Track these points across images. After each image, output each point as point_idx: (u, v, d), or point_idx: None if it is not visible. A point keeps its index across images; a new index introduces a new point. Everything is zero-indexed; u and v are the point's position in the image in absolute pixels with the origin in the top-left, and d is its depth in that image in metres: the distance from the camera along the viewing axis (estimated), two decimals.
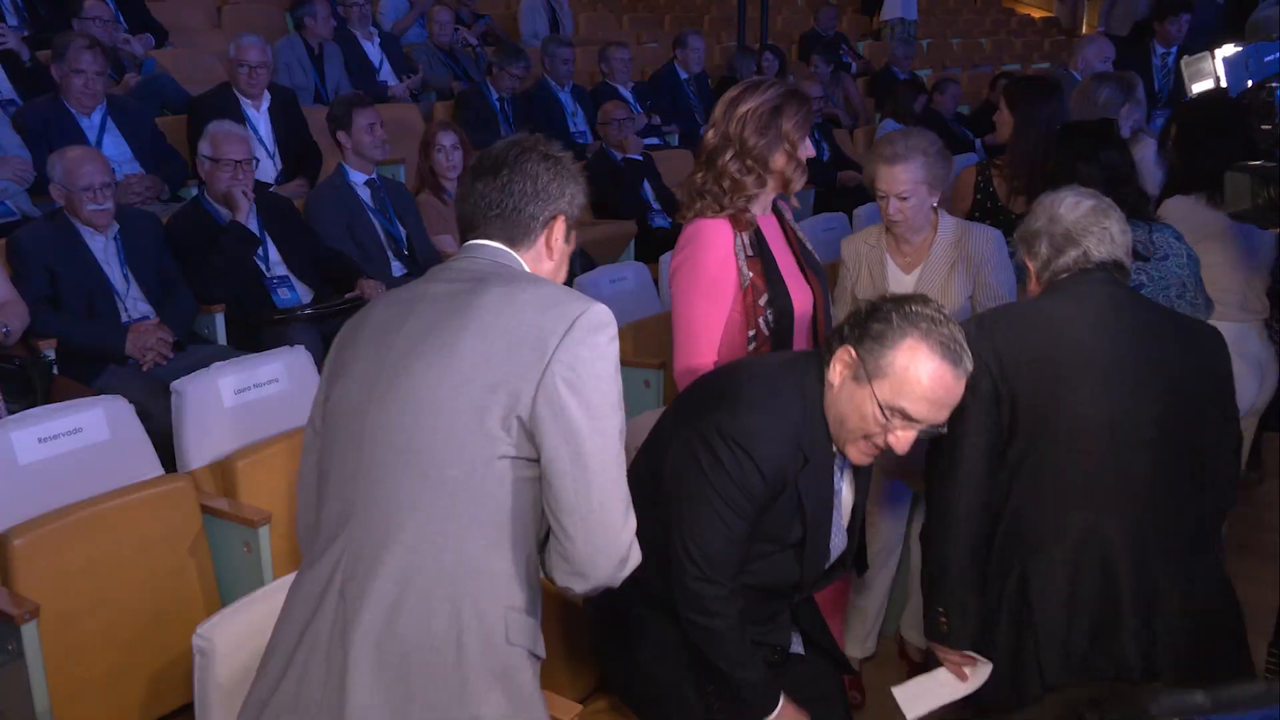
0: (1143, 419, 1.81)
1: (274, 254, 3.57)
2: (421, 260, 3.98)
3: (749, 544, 1.76)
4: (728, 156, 2.20)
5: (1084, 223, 1.94)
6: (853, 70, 8.27)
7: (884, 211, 2.60)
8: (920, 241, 2.66)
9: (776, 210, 2.33)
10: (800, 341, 2.27)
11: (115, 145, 4.11)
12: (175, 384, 2.69)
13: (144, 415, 2.68)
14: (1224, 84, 1.88)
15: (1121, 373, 1.82)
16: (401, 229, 4.01)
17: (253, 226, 3.51)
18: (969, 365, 1.72)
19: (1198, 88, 1.87)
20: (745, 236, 2.19)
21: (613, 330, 1.50)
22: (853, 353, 1.75)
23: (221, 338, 3.41)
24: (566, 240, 1.64)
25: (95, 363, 3.07)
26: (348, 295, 3.52)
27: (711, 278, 2.20)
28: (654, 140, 6.01)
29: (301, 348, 2.98)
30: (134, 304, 3.23)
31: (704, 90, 6.80)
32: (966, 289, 2.64)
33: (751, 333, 2.20)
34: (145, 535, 2.38)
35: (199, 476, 2.62)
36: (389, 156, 4.95)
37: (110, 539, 2.32)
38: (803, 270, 2.30)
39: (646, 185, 5.17)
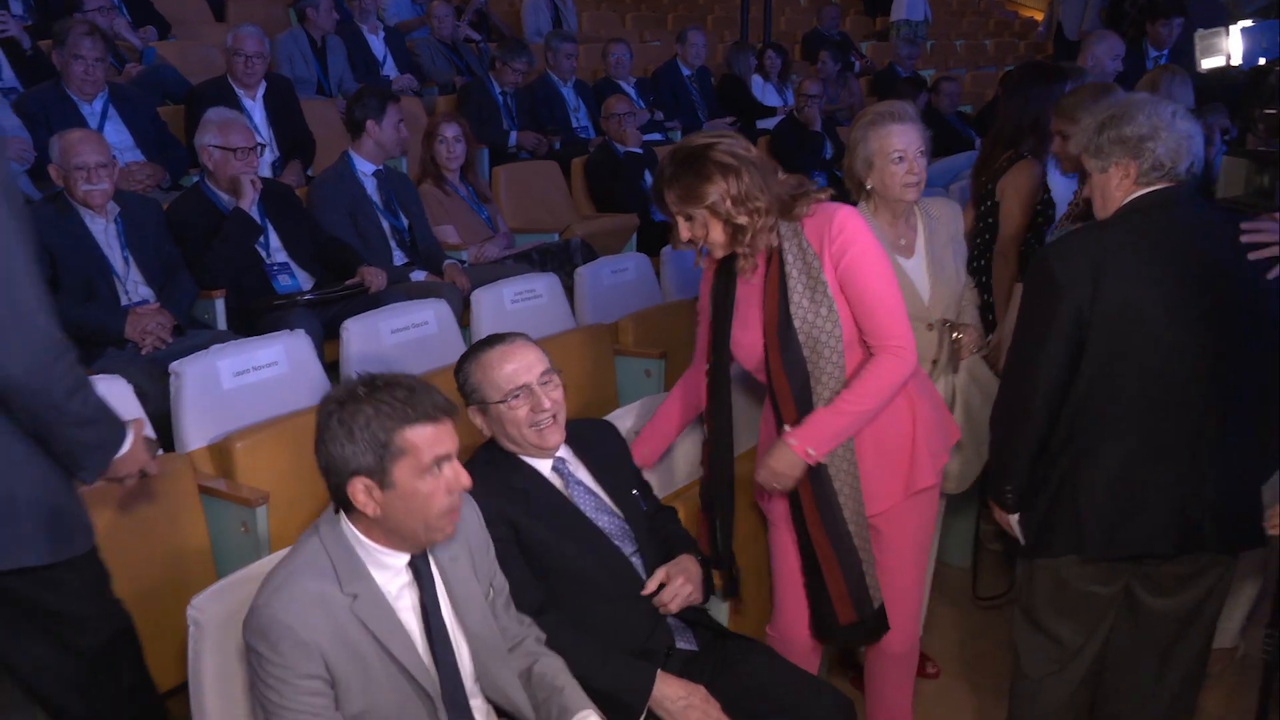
0: (1208, 353, 1.91)
1: (274, 241, 3.56)
2: (423, 251, 3.98)
3: (543, 582, 1.95)
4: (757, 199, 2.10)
5: (1153, 130, 1.91)
6: (855, 69, 8.27)
7: (897, 179, 2.37)
8: (910, 219, 2.52)
9: (782, 254, 2.08)
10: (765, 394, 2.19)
11: (116, 133, 4.11)
12: (174, 365, 2.68)
13: (142, 397, 2.67)
14: (1235, 60, 1.85)
15: (1189, 307, 1.90)
16: (404, 219, 4.00)
17: (254, 214, 3.50)
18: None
19: (1207, 63, 1.85)
20: (713, 274, 2.20)
21: None
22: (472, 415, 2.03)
23: (221, 323, 3.40)
24: None
25: (94, 345, 3.06)
26: (348, 282, 3.50)
27: (700, 304, 2.29)
28: (656, 136, 6.01)
29: (301, 331, 2.97)
30: (134, 287, 3.23)
31: (706, 86, 6.81)
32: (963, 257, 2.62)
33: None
34: (142, 514, 2.36)
35: (196, 458, 2.60)
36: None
37: (106, 518, 2.30)
38: (764, 325, 2.10)
39: (648, 178, 5.17)
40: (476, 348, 2.09)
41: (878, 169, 2.41)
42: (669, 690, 1.84)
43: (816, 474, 2.08)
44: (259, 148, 3.59)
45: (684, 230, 2.06)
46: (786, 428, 2.07)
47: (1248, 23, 1.82)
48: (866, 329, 2.06)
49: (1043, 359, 1.97)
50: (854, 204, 2.51)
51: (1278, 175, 1.74)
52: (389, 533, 1.60)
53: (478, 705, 1.72)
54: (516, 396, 1.99)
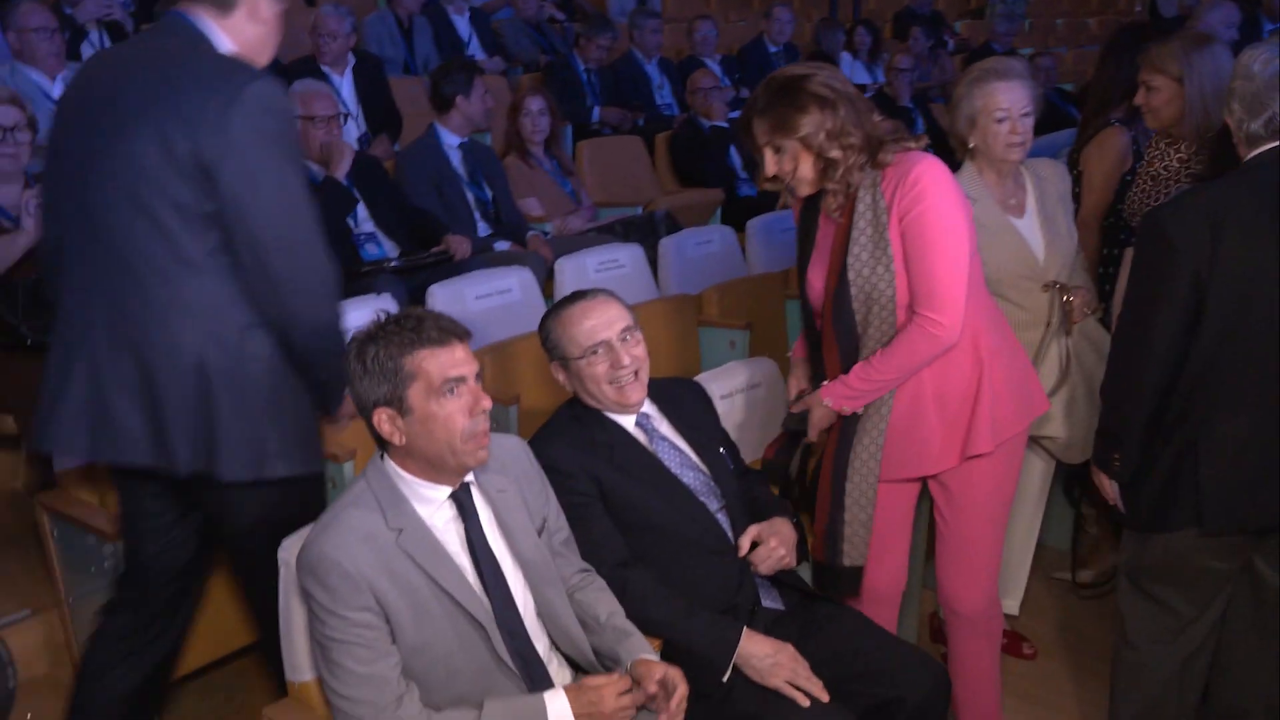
0: None
1: (362, 210, 3.61)
2: (507, 222, 3.99)
3: (627, 538, 1.92)
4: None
5: (1274, 80, 1.81)
6: (949, 47, 8.04)
7: (1000, 139, 2.31)
8: (1018, 178, 2.45)
9: (866, 200, 2.00)
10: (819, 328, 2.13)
11: None
12: None
13: None
14: None
15: None
16: (489, 191, 4.02)
17: (345, 184, 3.55)
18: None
19: None
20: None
21: None
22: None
23: None
24: None
25: None
26: (434, 249, 3.53)
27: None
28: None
29: (388, 296, 3.01)
30: None
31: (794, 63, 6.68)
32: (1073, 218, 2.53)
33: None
34: None
35: None
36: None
37: None
38: (828, 271, 2.06)
39: (734, 153, 5.10)
40: (559, 304, 2.07)
41: (980, 128, 2.35)
42: (755, 648, 1.79)
43: (847, 422, 2.06)
44: (342, 116, 3.63)
45: (771, 164, 1.99)
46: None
47: None
48: (915, 291, 1.96)
49: (1157, 325, 1.88)
50: (958, 164, 2.44)
51: None
52: (422, 463, 1.61)
53: (543, 648, 1.70)
54: (595, 353, 1.96)
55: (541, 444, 1.96)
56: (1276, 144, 1.86)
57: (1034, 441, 2.52)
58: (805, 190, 2.03)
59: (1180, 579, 1.98)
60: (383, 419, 1.58)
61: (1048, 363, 2.48)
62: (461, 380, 1.59)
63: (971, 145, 2.39)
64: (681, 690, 1.61)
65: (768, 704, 1.77)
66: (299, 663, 1.70)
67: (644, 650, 1.71)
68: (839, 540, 2.09)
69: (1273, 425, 1.85)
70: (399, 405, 1.57)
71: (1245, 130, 1.88)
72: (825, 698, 1.75)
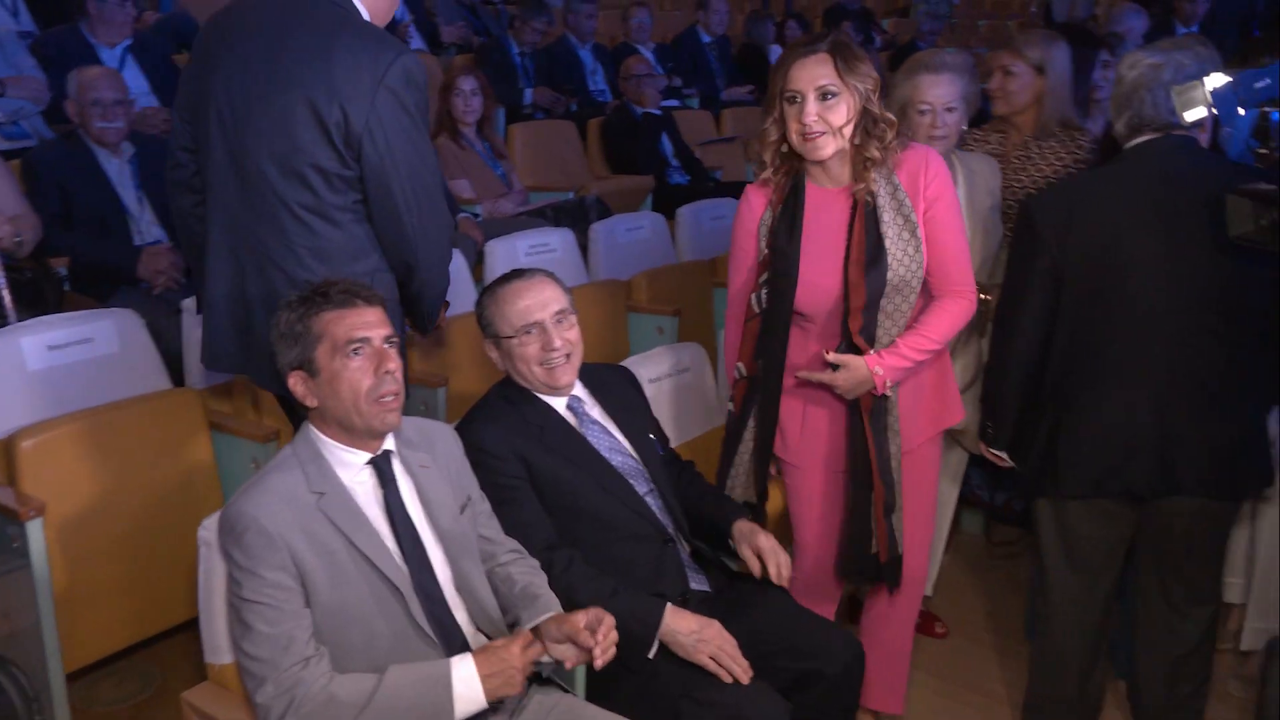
0: (1184, 306, 1.93)
1: None
2: None
3: (555, 520, 1.93)
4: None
5: (1138, 82, 1.93)
6: (876, 44, 8.18)
7: (921, 130, 2.36)
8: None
9: (871, 193, 1.98)
10: (818, 334, 2.07)
11: (134, 79, 4.07)
12: (186, 302, 2.68)
13: (155, 334, 2.67)
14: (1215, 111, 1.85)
15: (1167, 259, 1.92)
16: None
17: None
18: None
19: (1190, 115, 1.86)
20: (775, 210, 2.05)
21: None
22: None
23: None
24: None
25: (107, 283, 3.05)
26: None
27: (736, 247, 2.16)
28: (673, 102, 5.94)
29: None
30: (147, 228, 3.21)
31: (725, 54, 6.73)
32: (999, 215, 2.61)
33: (751, 308, 2.10)
34: (152, 447, 2.36)
35: (209, 395, 2.60)
36: None
37: (117, 448, 2.30)
38: (849, 262, 1.99)
39: (665, 141, 5.12)
40: (496, 282, 2.06)
41: (908, 118, 2.39)
42: (681, 624, 1.82)
43: (879, 405, 2.04)
44: None
45: (812, 111, 1.89)
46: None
47: (1219, 79, 1.80)
48: (939, 275, 2.03)
49: (1024, 303, 2.02)
50: None
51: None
52: (335, 425, 1.64)
53: (463, 619, 1.70)
54: (528, 333, 1.97)
55: (472, 425, 1.96)
56: (1137, 141, 1.97)
57: (948, 432, 2.61)
58: (828, 151, 1.94)
59: (1071, 548, 2.12)
60: (296, 381, 1.64)
61: (964, 359, 2.55)
62: (366, 341, 1.63)
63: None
64: (609, 620, 1.63)
65: (693, 680, 1.80)
66: (219, 645, 1.68)
67: (552, 609, 1.72)
68: (897, 530, 2.10)
69: (1139, 400, 1.97)
70: (309, 366, 1.62)
71: (1116, 129, 2.02)
72: (747, 679, 1.78)
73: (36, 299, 2.71)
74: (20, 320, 2.55)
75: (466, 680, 1.53)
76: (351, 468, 1.66)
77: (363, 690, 1.50)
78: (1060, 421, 2.04)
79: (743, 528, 2.04)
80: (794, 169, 2.03)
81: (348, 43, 1.82)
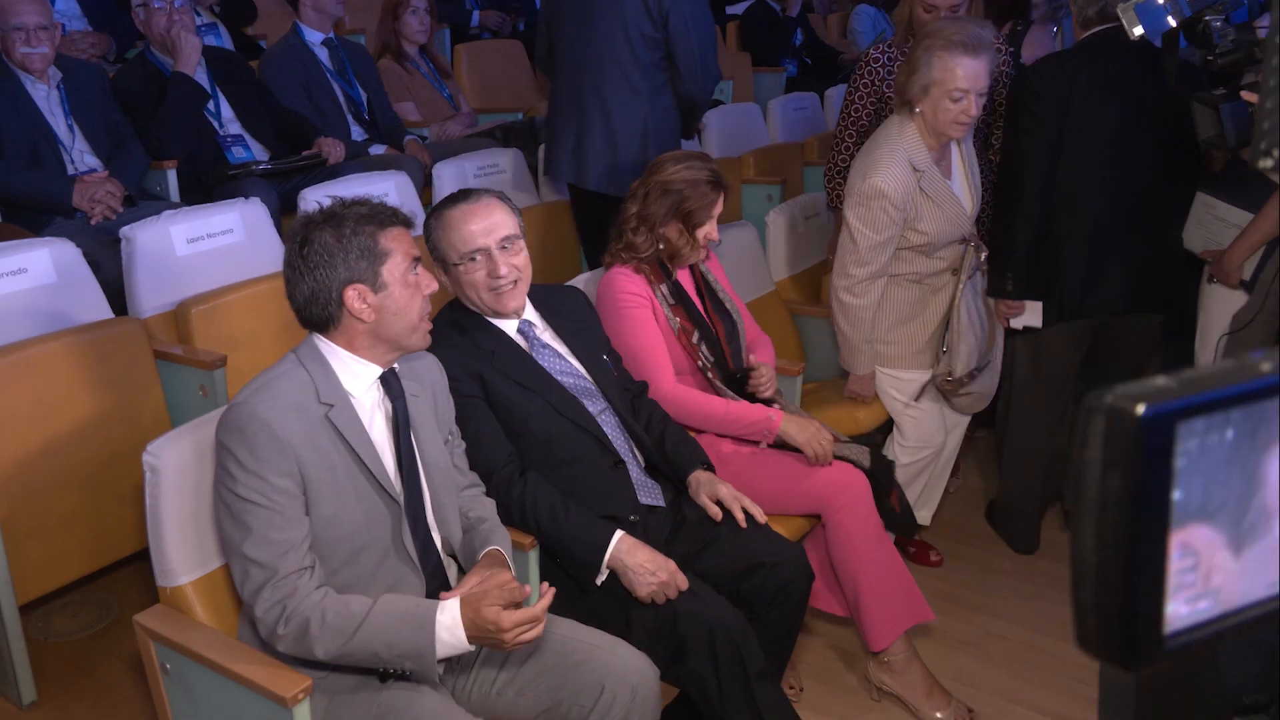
0: (1140, 167, 2.52)
1: (227, 111, 3.44)
2: (383, 126, 3.86)
3: (514, 441, 1.95)
4: (631, 210, 2.32)
5: None
6: None
7: (950, 114, 2.34)
8: (948, 144, 2.51)
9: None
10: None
11: (64, 2, 3.92)
12: (125, 230, 2.61)
13: (94, 265, 2.60)
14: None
15: (1135, 127, 2.47)
16: (362, 92, 3.87)
17: (202, 82, 3.37)
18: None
19: (1135, 31, 1.89)
20: (664, 287, 2.31)
21: None
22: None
23: (175, 195, 3.30)
24: None
25: (41, 214, 2.96)
26: (305, 153, 3.40)
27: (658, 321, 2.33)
28: None
29: (257, 200, 2.89)
30: (80, 156, 3.11)
31: None
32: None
33: (700, 363, 2.32)
34: (96, 378, 2.32)
35: (152, 325, 2.55)
36: (351, 26, 4.78)
37: (59, 381, 2.26)
38: (708, 313, 2.40)
39: None
40: (442, 204, 2.02)
41: (932, 99, 2.36)
42: (634, 559, 1.83)
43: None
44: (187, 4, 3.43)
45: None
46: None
47: None
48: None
49: (1026, 157, 2.49)
50: (886, 115, 2.65)
51: (1225, 117, 1.89)
52: (375, 339, 1.62)
53: (438, 540, 1.73)
54: (473, 259, 1.95)
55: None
56: (1105, 27, 2.42)
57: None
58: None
59: (1041, 370, 2.72)
60: (353, 297, 1.58)
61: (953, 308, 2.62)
62: (420, 260, 1.64)
63: (917, 110, 2.39)
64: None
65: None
66: (170, 568, 1.67)
67: (501, 545, 1.74)
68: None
69: (1106, 239, 2.54)
70: (373, 282, 1.58)
71: (1083, 15, 2.43)
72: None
73: None
74: None
75: (450, 628, 1.52)
76: (361, 380, 1.64)
77: (352, 617, 1.50)
78: (1054, 262, 2.56)
79: (700, 477, 2.06)
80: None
81: None
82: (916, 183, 2.42)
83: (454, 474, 1.77)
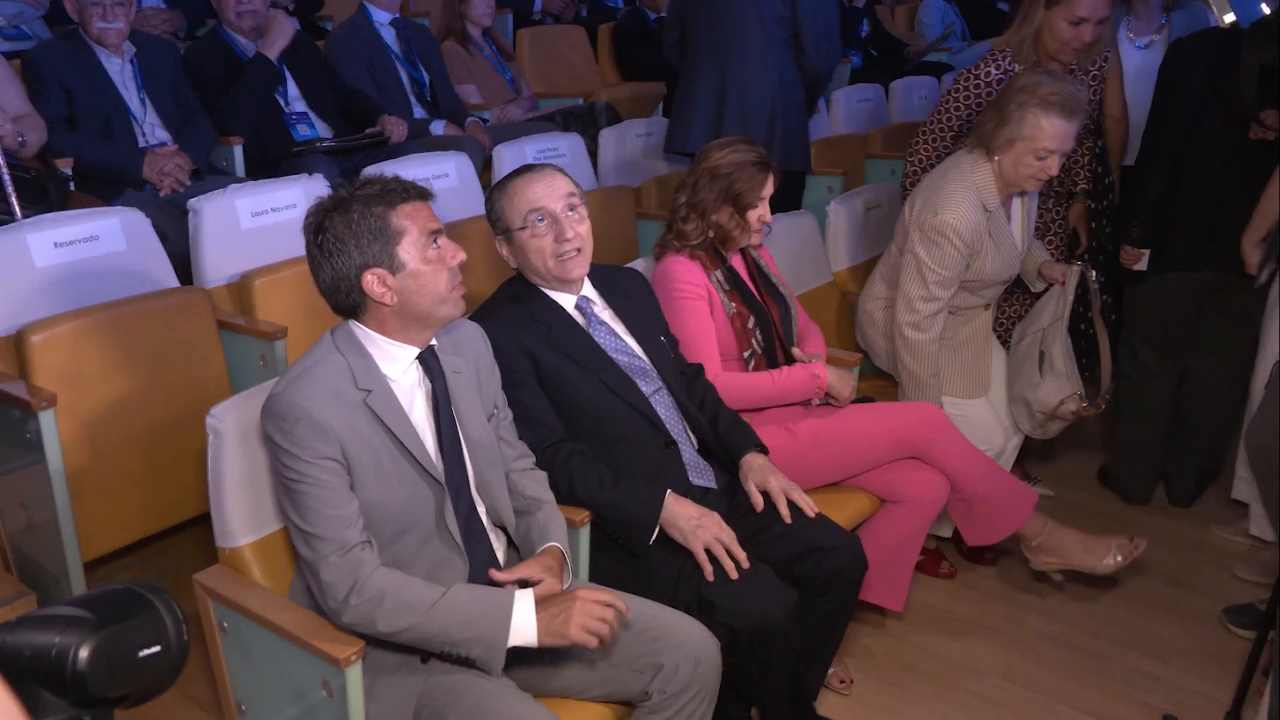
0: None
1: (293, 90, 3.49)
2: (445, 107, 3.89)
3: (564, 417, 1.95)
4: (681, 199, 2.35)
5: None
6: None
7: (1031, 171, 2.39)
8: None
9: (744, 250, 2.44)
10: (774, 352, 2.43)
11: None
12: (192, 202, 2.66)
13: (162, 236, 2.65)
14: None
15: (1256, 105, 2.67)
16: (425, 74, 3.90)
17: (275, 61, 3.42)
18: None
19: (1229, 18, 1.87)
20: (719, 273, 2.33)
21: None
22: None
23: (240, 170, 3.36)
24: None
25: (112, 185, 3.03)
26: (369, 130, 3.43)
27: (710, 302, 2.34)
28: None
29: (320, 176, 2.93)
30: (151, 129, 3.17)
31: None
32: None
33: (747, 353, 2.34)
34: (162, 343, 2.37)
35: (215, 295, 2.60)
36: (416, 9, 4.82)
37: (127, 344, 2.31)
38: (762, 296, 2.43)
39: None
40: (505, 178, 2.03)
41: (1016, 152, 2.39)
42: (682, 510, 1.84)
43: None
44: None
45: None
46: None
47: None
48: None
49: (1163, 143, 2.76)
50: (948, 150, 2.72)
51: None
52: (405, 320, 1.60)
53: (484, 515, 1.73)
54: (540, 221, 1.94)
55: (480, 320, 1.96)
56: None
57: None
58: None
59: (1161, 318, 2.91)
60: (372, 282, 1.55)
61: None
62: (441, 232, 1.60)
63: (996, 158, 2.42)
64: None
65: (694, 565, 1.82)
66: (230, 529, 1.70)
67: (559, 539, 1.75)
68: None
69: (1226, 199, 2.71)
70: (389, 264, 1.55)
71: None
72: (736, 574, 1.80)
73: (40, 196, 2.70)
74: (25, 217, 2.54)
75: (524, 623, 1.53)
76: (399, 363, 1.63)
77: (427, 595, 1.51)
78: (1175, 215, 2.77)
79: (753, 461, 2.04)
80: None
81: None
82: (985, 222, 2.43)
83: (498, 449, 1.76)
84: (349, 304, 1.60)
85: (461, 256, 1.61)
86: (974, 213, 2.41)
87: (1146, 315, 2.94)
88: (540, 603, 1.55)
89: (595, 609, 1.53)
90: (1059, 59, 2.72)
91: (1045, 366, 2.60)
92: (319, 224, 1.57)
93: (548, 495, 1.82)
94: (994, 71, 2.76)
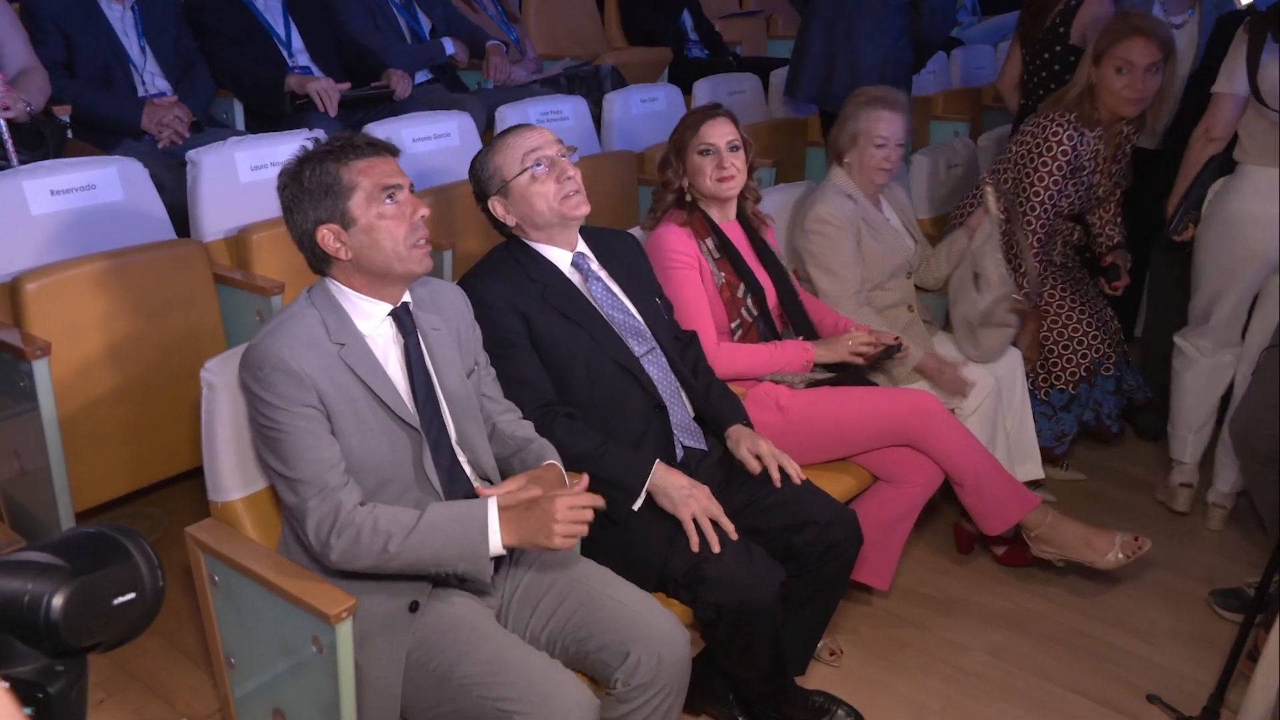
0: None
1: (297, 42, 3.44)
2: (463, 36, 3.89)
3: (554, 375, 1.94)
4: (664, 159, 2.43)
5: None
6: None
7: (874, 161, 2.66)
8: (875, 197, 2.80)
9: (745, 218, 2.47)
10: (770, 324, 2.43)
11: None
12: (191, 154, 2.63)
13: (160, 187, 2.63)
14: None
15: None
16: (425, 22, 3.87)
17: (277, 11, 3.37)
18: None
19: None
20: (710, 240, 2.34)
21: None
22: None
23: (240, 123, 3.32)
24: None
25: (110, 134, 2.99)
26: (374, 84, 3.40)
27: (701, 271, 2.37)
28: None
29: (321, 131, 2.86)
30: (151, 79, 3.13)
31: None
32: None
33: (735, 323, 2.36)
34: (158, 295, 2.36)
35: (213, 249, 2.58)
36: None
37: (123, 295, 2.30)
38: (765, 267, 2.45)
39: (685, 14, 4.95)
40: (490, 141, 2.03)
41: (859, 148, 2.69)
42: (673, 479, 1.84)
43: None
44: None
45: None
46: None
47: None
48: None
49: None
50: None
51: None
52: (368, 275, 1.62)
53: (466, 462, 1.73)
54: (539, 165, 1.92)
55: (474, 279, 1.94)
56: None
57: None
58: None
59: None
60: (327, 238, 1.58)
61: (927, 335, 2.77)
62: (399, 188, 1.60)
63: (846, 160, 2.72)
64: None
65: (681, 536, 1.82)
66: (222, 483, 1.70)
67: (547, 458, 1.76)
68: None
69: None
70: (342, 218, 1.57)
71: None
72: (717, 547, 1.79)
73: (36, 142, 2.66)
74: (21, 164, 2.51)
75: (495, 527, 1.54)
76: (372, 318, 1.64)
77: (405, 520, 1.53)
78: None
79: (740, 431, 2.04)
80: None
81: None
82: (854, 209, 2.68)
83: (477, 402, 1.77)
84: (314, 260, 1.64)
85: (424, 211, 1.62)
86: (840, 200, 2.67)
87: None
88: (521, 509, 1.54)
89: (572, 513, 1.53)
90: (1121, 113, 2.80)
91: (981, 284, 2.67)
92: (283, 182, 1.61)
93: (537, 436, 1.83)
94: (1065, 140, 2.82)
